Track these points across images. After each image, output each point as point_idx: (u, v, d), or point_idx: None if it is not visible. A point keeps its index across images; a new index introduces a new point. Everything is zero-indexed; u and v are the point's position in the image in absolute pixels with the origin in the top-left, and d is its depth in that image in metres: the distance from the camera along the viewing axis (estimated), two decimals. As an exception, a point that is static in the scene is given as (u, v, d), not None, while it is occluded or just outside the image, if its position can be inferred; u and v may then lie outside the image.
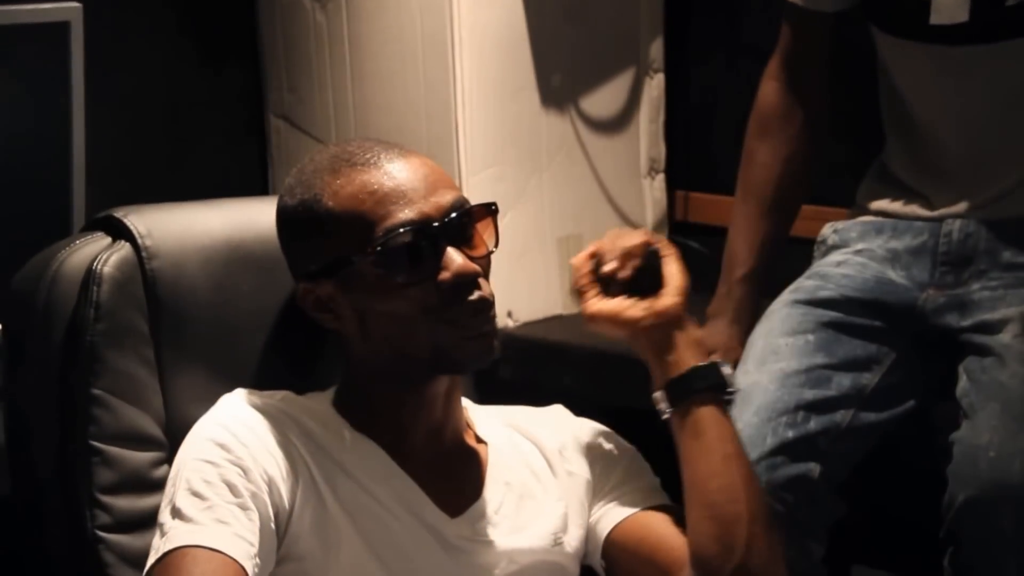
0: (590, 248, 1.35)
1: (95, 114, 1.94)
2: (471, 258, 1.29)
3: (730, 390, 1.33)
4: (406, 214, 1.27)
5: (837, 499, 1.61)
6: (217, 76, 2.35)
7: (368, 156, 1.30)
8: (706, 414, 1.31)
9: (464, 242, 1.29)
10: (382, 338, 1.30)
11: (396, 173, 1.28)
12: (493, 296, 1.30)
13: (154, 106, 2.28)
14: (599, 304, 1.33)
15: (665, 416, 1.34)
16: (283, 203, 1.34)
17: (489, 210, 1.32)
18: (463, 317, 1.28)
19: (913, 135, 1.71)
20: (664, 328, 1.32)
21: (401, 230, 1.26)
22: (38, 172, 1.82)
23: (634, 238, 1.33)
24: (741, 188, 1.81)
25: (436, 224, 1.27)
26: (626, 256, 1.32)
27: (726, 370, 1.33)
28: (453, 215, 1.28)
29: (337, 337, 1.35)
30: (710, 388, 1.32)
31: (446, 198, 1.29)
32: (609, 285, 1.33)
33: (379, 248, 1.26)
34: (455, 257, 1.28)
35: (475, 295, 1.28)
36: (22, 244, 1.46)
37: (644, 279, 1.33)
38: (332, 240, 1.29)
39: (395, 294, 1.27)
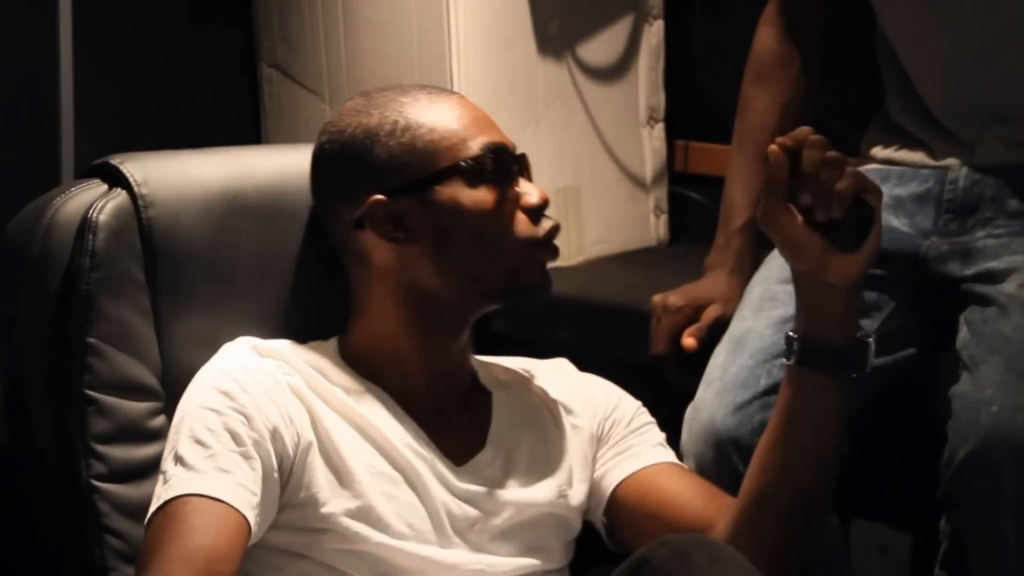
0: (777, 156, 1.23)
1: (85, 63, 1.92)
2: None
3: (866, 370, 1.30)
4: (494, 137, 1.33)
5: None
6: (209, 25, 2.33)
7: (436, 91, 1.35)
8: (822, 394, 1.29)
9: (527, 175, 1.36)
10: (460, 259, 1.31)
11: (466, 106, 1.35)
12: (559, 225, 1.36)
13: (145, 55, 2.26)
14: (796, 222, 1.24)
15: (787, 363, 1.31)
16: (356, 120, 1.33)
17: (527, 160, 1.37)
18: (545, 242, 1.33)
19: (909, 84, 1.69)
20: (841, 286, 1.27)
21: (492, 150, 1.31)
22: (27, 121, 1.81)
23: (844, 182, 1.22)
24: (738, 136, 1.79)
25: (513, 152, 1.34)
26: (832, 199, 1.23)
27: (870, 351, 1.30)
28: (521, 152, 1.35)
29: (353, 279, 1.34)
30: (843, 370, 1.30)
31: (508, 138, 1.35)
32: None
33: (477, 162, 1.30)
34: (530, 186, 1.34)
35: (552, 222, 1.34)
36: (9, 193, 1.45)
37: (853, 230, 1.24)
38: (422, 153, 1.31)
39: (487, 211, 1.30)
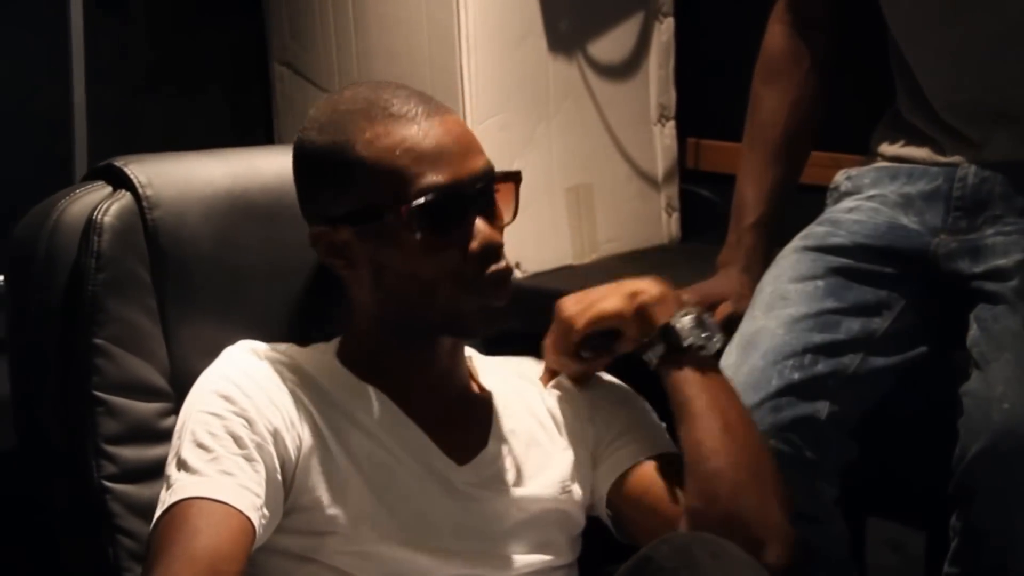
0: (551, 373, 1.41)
1: (97, 63, 1.92)
2: (493, 228, 1.29)
3: (685, 344, 1.32)
4: (440, 177, 1.26)
5: (847, 440, 1.59)
6: (220, 23, 2.33)
7: (406, 109, 1.27)
8: (684, 370, 1.32)
9: (488, 209, 1.29)
10: (395, 295, 1.29)
11: (433, 132, 1.27)
12: (511, 269, 1.31)
13: (156, 55, 2.26)
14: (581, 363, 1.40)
15: (652, 367, 1.35)
16: (309, 139, 1.31)
17: (514, 178, 1.32)
18: (486, 287, 1.28)
19: (916, 82, 1.68)
20: (631, 333, 1.35)
21: (434, 193, 1.25)
22: (40, 122, 1.81)
23: (582, 321, 1.36)
24: (748, 134, 1.79)
25: (467, 191, 1.27)
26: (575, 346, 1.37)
27: (681, 326, 1.32)
28: (481, 184, 1.28)
29: (343, 286, 1.34)
30: (667, 352, 1.32)
31: (478, 163, 1.29)
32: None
33: (413, 207, 1.24)
34: (482, 226, 1.28)
35: (500, 265, 1.28)
36: (24, 194, 1.45)
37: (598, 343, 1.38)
38: (361, 189, 1.27)
39: (421, 255, 1.26)
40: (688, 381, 1.32)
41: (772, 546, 1.27)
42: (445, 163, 1.26)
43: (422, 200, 1.25)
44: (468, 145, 1.29)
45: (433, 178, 1.26)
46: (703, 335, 1.33)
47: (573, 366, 1.40)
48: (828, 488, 1.58)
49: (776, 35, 1.77)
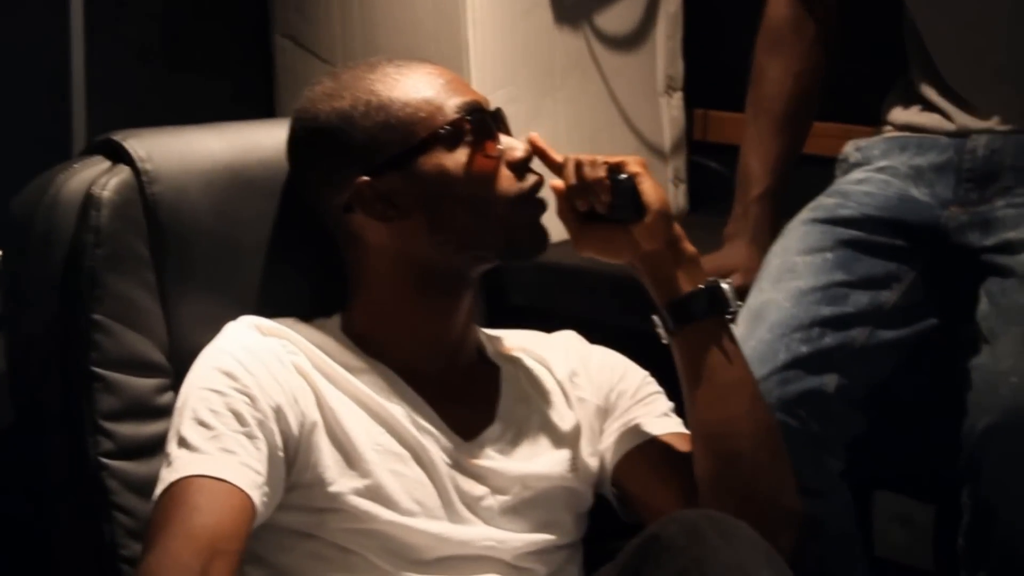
0: (557, 183, 1.33)
1: (97, 36, 1.91)
2: None
3: (731, 310, 1.31)
4: (464, 98, 1.31)
5: (854, 413, 1.58)
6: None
7: (403, 63, 1.34)
8: (704, 340, 1.30)
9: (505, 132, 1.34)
10: (454, 226, 1.30)
11: (436, 71, 1.33)
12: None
13: (157, 27, 2.24)
14: (586, 234, 1.32)
15: (664, 341, 1.32)
16: (328, 106, 1.32)
17: (499, 113, 1.36)
18: (531, 196, 1.31)
19: (928, 52, 1.66)
20: (655, 252, 1.30)
21: (467, 109, 1.30)
22: (38, 95, 1.80)
23: (596, 168, 1.30)
24: (752, 105, 1.78)
25: (491, 111, 1.32)
26: (594, 190, 1.30)
27: (726, 289, 1.30)
28: (491, 108, 1.33)
29: (351, 257, 1.34)
30: (709, 312, 1.30)
31: (478, 94, 1.33)
32: (592, 216, 1.31)
33: (459, 121, 1.29)
34: (513, 140, 1.32)
35: (536, 176, 1.33)
36: (22, 168, 1.44)
37: (627, 202, 1.30)
38: (398, 129, 1.30)
39: (473, 174, 1.29)
40: (716, 352, 1.30)
41: (783, 530, 1.27)
42: (459, 90, 1.32)
43: (461, 118, 1.30)
44: (465, 81, 1.35)
45: (459, 99, 1.31)
46: (738, 304, 1.32)
47: (572, 211, 1.32)
48: (834, 462, 1.58)
49: (779, 5, 1.76)
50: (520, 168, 1.32)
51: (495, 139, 1.32)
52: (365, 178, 1.30)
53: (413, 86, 1.31)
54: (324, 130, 1.32)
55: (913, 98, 1.71)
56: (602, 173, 1.29)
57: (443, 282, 1.32)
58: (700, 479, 1.30)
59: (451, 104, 1.30)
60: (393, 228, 1.31)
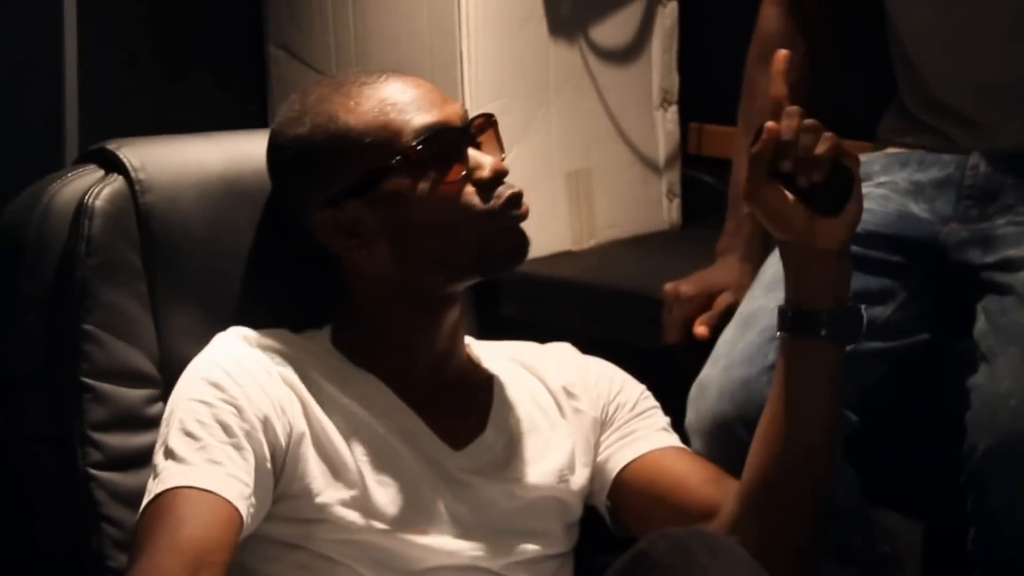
0: (771, 131, 1.23)
1: (90, 45, 1.91)
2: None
3: (856, 342, 1.28)
4: (430, 117, 1.28)
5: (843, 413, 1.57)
6: (216, 5, 2.31)
7: (374, 77, 1.31)
8: (819, 362, 1.28)
9: (479, 148, 1.31)
10: (421, 251, 1.29)
11: (407, 86, 1.30)
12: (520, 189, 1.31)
13: (151, 36, 2.24)
14: (767, 192, 1.25)
15: (779, 334, 1.29)
16: (287, 135, 1.32)
17: (489, 121, 1.33)
18: (505, 210, 1.28)
19: (920, 74, 1.66)
20: (822, 251, 1.26)
21: (431, 131, 1.27)
22: (31, 104, 1.79)
23: (823, 145, 1.22)
24: (743, 119, 1.77)
25: (458, 127, 1.29)
26: (812, 164, 1.22)
27: (862, 321, 1.28)
28: (466, 122, 1.30)
29: (339, 271, 1.33)
30: (833, 337, 1.27)
31: (456, 107, 1.31)
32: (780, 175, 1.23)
33: (416, 147, 1.26)
34: (484, 157, 1.29)
35: (513, 187, 1.30)
36: (14, 177, 1.44)
37: (835, 192, 1.23)
38: (357, 157, 1.28)
39: (436, 199, 1.27)
40: (821, 377, 1.27)
41: (789, 568, 1.27)
42: (428, 107, 1.29)
43: (423, 138, 1.27)
44: (441, 95, 1.31)
45: (424, 119, 1.28)
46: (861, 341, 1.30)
47: (765, 160, 1.24)
48: None
49: (770, 17, 1.75)
50: (488, 187, 1.29)
51: (461, 159, 1.28)
52: (326, 209, 1.29)
53: (373, 108, 1.28)
54: (288, 158, 1.32)
55: (910, 117, 1.70)
56: (828, 152, 1.22)
57: (422, 299, 1.31)
58: (742, 493, 1.29)
59: (412, 127, 1.27)
60: (361, 254, 1.30)
